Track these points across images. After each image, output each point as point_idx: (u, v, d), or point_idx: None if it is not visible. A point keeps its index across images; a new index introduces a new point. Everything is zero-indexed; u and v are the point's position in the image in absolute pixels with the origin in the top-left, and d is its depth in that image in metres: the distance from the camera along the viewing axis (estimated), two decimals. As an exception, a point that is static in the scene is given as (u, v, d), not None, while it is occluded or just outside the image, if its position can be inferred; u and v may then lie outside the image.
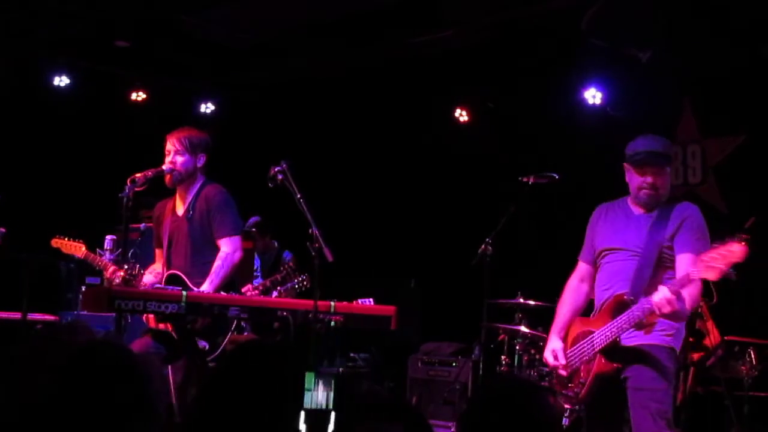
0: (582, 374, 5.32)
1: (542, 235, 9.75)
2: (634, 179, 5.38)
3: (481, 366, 8.29)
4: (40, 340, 2.28)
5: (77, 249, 6.93)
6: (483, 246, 7.46)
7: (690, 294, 5.05)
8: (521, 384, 3.44)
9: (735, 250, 4.71)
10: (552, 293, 5.90)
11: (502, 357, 8.10)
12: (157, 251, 6.59)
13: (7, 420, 2.08)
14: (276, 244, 9.70)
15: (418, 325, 10.47)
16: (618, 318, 5.12)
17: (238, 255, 6.23)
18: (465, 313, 8.48)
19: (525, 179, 7.44)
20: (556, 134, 10.01)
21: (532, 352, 7.93)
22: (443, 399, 9.07)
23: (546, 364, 5.81)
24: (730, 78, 9.07)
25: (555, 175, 7.47)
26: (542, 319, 8.03)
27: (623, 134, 5.61)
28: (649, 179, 5.32)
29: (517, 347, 8.00)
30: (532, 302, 8.00)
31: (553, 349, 5.49)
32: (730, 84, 9.11)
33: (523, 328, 7.90)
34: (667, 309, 4.89)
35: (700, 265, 4.80)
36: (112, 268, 6.35)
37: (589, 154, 9.40)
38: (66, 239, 7.45)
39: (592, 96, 9.83)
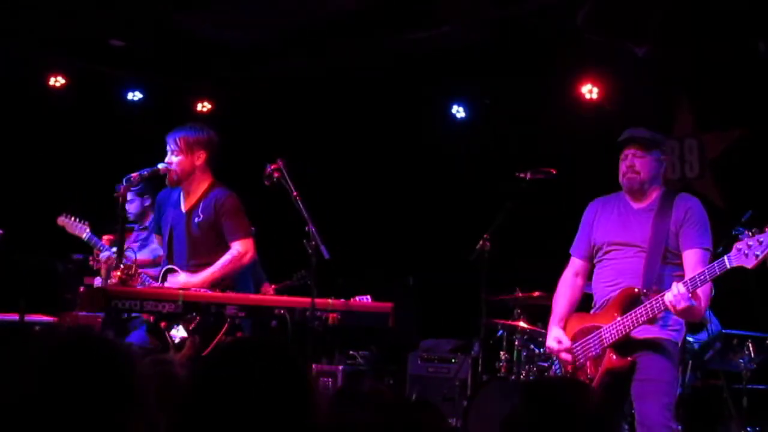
0: (589, 370, 5.30)
1: (540, 230, 9.73)
2: (620, 168, 5.41)
3: (480, 362, 8.28)
4: (21, 337, 2.27)
5: (82, 230, 6.95)
6: (481, 242, 7.45)
7: (704, 292, 5.07)
8: (568, 382, 3.44)
9: None
10: (550, 288, 5.90)
11: (501, 353, 8.09)
12: (157, 237, 6.61)
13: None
14: None
15: (417, 322, 10.46)
16: (632, 312, 5.10)
17: (248, 257, 6.23)
18: (464, 310, 8.48)
19: (522, 175, 7.44)
20: (553, 130, 10.00)
21: (531, 347, 7.92)
22: (443, 396, 9.06)
23: (547, 359, 5.81)
24: (727, 72, 9.06)
25: (552, 170, 7.47)
26: (541, 315, 8.03)
27: (620, 129, 5.61)
28: (629, 161, 5.34)
29: (516, 343, 7.99)
30: (536, 294, 7.97)
31: (556, 336, 5.47)
32: (727, 78, 9.10)
33: (522, 324, 7.89)
34: (682, 305, 4.88)
35: (736, 253, 4.76)
36: (105, 256, 6.33)
37: (586, 149, 9.38)
38: (72, 218, 7.45)
39: (589, 91, 9.82)
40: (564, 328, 5.51)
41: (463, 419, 7.74)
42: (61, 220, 7.53)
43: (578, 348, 5.36)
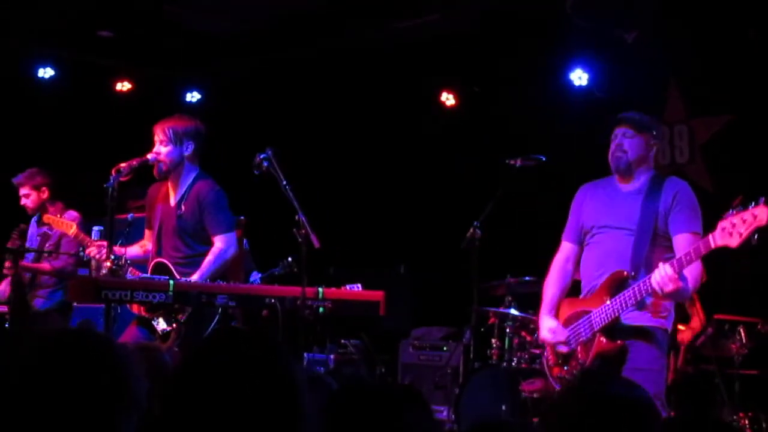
0: (580, 355, 5.28)
1: (530, 217, 9.73)
2: (610, 147, 5.39)
3: (471, 350, 8.28)
4: (13, 332, 2.27)
5: (68, 227, 6.96)
6: (471, 230, 7.44)
7: (692, 273, 5.03)
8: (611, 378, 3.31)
9: (759, 215, 4.60)
10: (541, 275, 5.89)
11: (493, 340, 8.09)
12: (147, 232, 6.59)
13: None
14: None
15: (408, 310, 10.47)
16: (620, 295, 5.07)
17: (231, 251, 6.21)
18: (455, 298, 8.48)
19: (512, 162, 7.43)
20: (542, 116, 9.99)
21: (523, 334, 7.92)
22: (435, 384, 9.07)
23: (538, 346, 5.79)
24: (716, 58, 9.06)
25: (542, 157, 7.46)
26: (532, 302, 8.03)
27: (610, 115, 5.60)
28: (618, 140, 5.32)
29: (507, 330, 7.99)
30: (527, 278, 7.96)
31: (549, 327, 5.43)
32: (717, 64, 9.10)
33: (513, 311, 7.89)
34: (669, 287, 4.85)
35: (721, 232, 4.71)
36: (97, 246, 6.30)
37: (577, 135, 9.37)
38: (58, 216, 7.47)
39: (578, 77, 9.83)
40: (556, 315, 5.50)
41: (455, 407, 7.75)
42: (47, 218, 7.55)
43: (570, 333, 5.34)
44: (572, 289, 5.62)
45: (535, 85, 10.12)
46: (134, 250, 6.52)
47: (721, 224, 4.72)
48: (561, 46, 9.60)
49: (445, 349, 9.47)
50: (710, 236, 4.78)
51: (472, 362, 8.25)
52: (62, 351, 2.08)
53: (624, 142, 5.32)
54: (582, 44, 9.48)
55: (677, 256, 4.93)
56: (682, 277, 4.90)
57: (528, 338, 7.81)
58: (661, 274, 4.85)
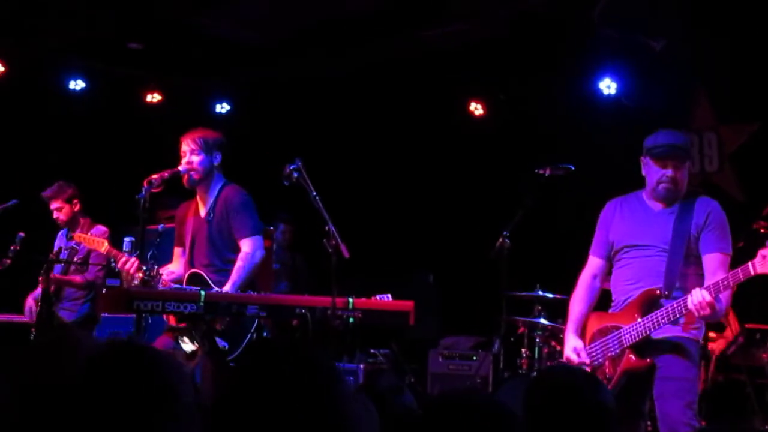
0: (607, 370, 5.28)
1: (559, 226, 9.71)
2: (653, 172, 5.33)
3: (501, 359, 8.27)
4: (62, 339, 2.30)
5: (99, 245, 6.97)
6: (500, 239, 7.44)
7: (725, 294, 5.06)
8: (579, 373, 3.50)
9: None
10: (570, 285, 5.86)
11: (523, 350, 8.08)
12: (176, 250, 6.62)
13: (28, 417, 2.09)
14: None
15: (437, 319, 10.46)
16: (653, 314, 5.10)
17: (259, 255, 6.26)
18: (484, 307, 8.47)
19: (541, 171, 7.42)
20: (571, 125, 9.98)
21: (552, 344, 7.91)
22: (464, 393, 9.04)
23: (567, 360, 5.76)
24: (745, 65, 9.02)
25: (571, 166, 7.45)
26: (561, 312, 8.02)
27: (639, 124, 5.59)
28: (670, 172, 5.27)
29: (537, 340, 7.98)
30: (550, 295, 7.97)
31: (574, 347, 5.44)
32: (745, 70, 9.06)
33: (543, 321, 7.87)
34: (706, 311, 4.91)
35: (761, 260, 4.79)
36: (128, 261, 6.29)
37: (605, 144, 9.37)
38: (88, 235, 7.51)
39: (607, 86, 9.81)
40: (582, 330, 5.49)
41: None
42: (78, 236, 7.58)
43: (597, 347, 5.34)
44: (601, 300, 5.60)
45: (564, 94, 10.11)
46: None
47: (762, 252, 4.80)
48: (590, 55, 9.59)
49: (474, 358, 9.46)
50: (750, 264, 4.85)
51: (502, 372, 8.24)
52: (112, 361, 2.10)
53: (677, 174, 5.29)
54: (611, 53, 9.46)
55: (713, 280, 4.98)
56: (717, 299, 4.95)
57: (558, 347, 7.79)
58: (699, 299, 4.91)
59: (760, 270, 4.79)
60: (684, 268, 5.22)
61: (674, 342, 5.15)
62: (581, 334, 5.50)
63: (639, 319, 5.15)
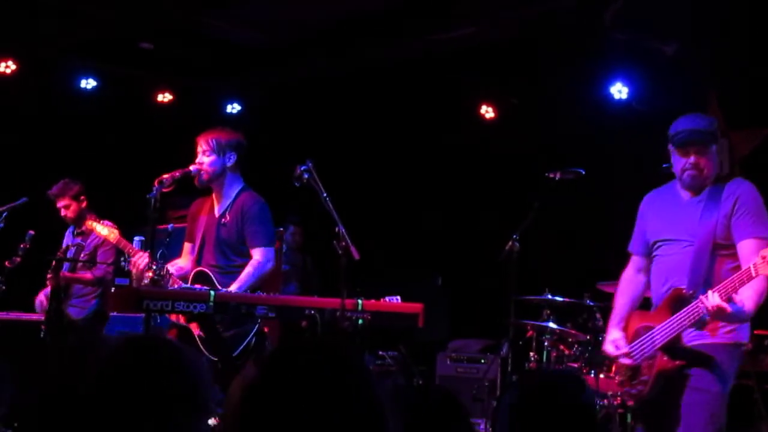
0: (644, 371, 5.12)
1: (569, 230, 9.71)
2: (678, 161, 5.14)
3: (509, 363, 8.27)
4: (88, 333, 2.33)
5: (111, 232, 6.98)
6: (510, 242, 7.43)
7: (755, 290, 4.81)
8: (564, 373, 3.53)
9: None
10: (579, 289, 5.85)
11: (531, 353, 8.07)
12: (186, 245, 6.62)
13: (57, 408, 2.11)
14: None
15: (445, 322, 10.47)
16: (677, 314, 4.90)
17: (269, 265, 6.26)
18: (492, 310, 8.47)
19: (551, 175, 7.42)
20: (581, 129, 9.96)
21: (561, 347, 7.90)
22: (472, 396, 9.06)
23: (576, 360, 5.73)
24: (756, 69, 9.00)
25: (581, 170, 7.44)
26: (570, 316, 8.01)
27: (650, 129, 5.53)
28: (692, 159, 5.06)
29: (546, 343, 7.96)
30: (559, 298, 7.96)
31: (613, 339, 5.27)
32: (757, 75, 9.04)
33: (551, 324, 7.86)
34: (720, 314, 4.71)
35: (762, 261, 4.53)
36: (140, 255, 6.29)
37: (616, 148, 9.36)
38: (101, 222, 7.52)
39: (618, 91, 9.79)
40: (625, 328, 5.33)
41: (492, 419, 7.73)
42: (90, 224, 7.59)
43: (636, 347, 5.17)
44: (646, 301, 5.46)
45: (575, 98, 10.09)
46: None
47: (763, 252, 4.57)
48: (601, 60, 9.57)
49: (482, 361, 9.47)
50: (751, 266, 4.62)
51: (510, 375, 8.23)
52: (135, 357, 2.11)
53: (700, 161, 5.09)
54: (622, 57, 9.45)
55: (724, 283, 4.74)
56: (732, 302, 4.70)
57: (566, 351, 7.78)
58: (712, 303, 4.68)
59: (761, 271, 4.57)
60: (711, 262, 4.98)
61: (703, 352, 4.95)
62: (624, 327, 5.32)
63: (668, 319, 4.96)
